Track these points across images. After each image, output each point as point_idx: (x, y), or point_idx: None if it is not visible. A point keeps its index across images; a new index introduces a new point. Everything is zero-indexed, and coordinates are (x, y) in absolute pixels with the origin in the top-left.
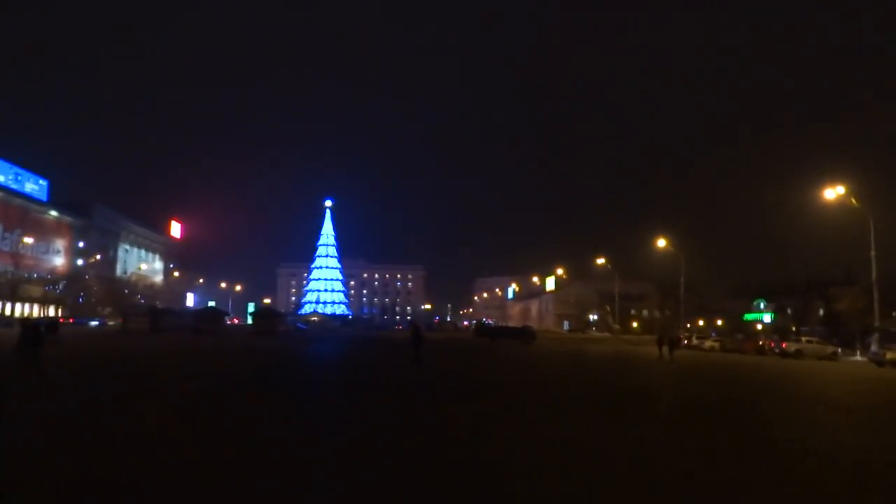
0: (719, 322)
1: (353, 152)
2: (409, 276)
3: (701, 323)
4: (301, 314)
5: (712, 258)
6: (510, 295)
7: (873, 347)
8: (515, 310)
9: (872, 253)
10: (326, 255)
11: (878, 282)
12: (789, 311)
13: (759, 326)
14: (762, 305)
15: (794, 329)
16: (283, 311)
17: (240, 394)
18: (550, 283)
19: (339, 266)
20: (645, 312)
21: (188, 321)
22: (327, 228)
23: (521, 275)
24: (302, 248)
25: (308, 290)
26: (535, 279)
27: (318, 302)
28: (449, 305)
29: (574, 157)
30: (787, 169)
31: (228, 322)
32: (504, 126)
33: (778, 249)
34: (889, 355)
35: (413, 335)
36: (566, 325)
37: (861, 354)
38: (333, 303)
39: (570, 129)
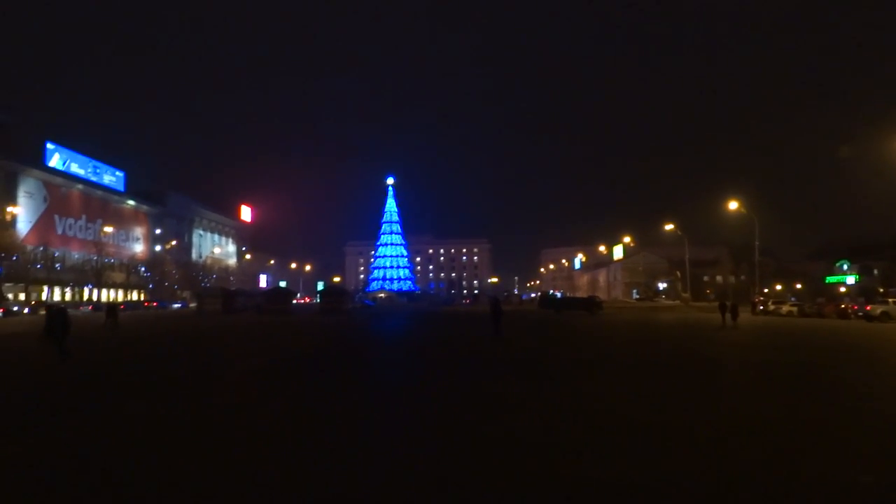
0: (798, 286)
1: (413, 129)
2: (475, 250)
3: (779, 287)
4: (369, 291)
5: (791, 219)
6: (577, 265)
7: None
8: (583, 280)
9: None
10: (391, 233)
11: None
12: (876, 272)
13: (843, 289)
14: (845, 267)
15: (881, 291)
16: (351, 288)
17: (304, 369)
18: (618, 252)
19: (403, 242)
20: (719, 278)
21: (259, 301)
22: (391, 206)
23: (588, 244)
24: (368, 227)
25: (375, 268)
26: (602, 248)
27: (384, 279)
28: (516, 278)
29: (634, 121)
30: (865, 122)
31: (298, 301)
32: (564, 95)
33: (861, 207)
34: None
35: (492, 309)
36: (635, 293)
37: None
38: (399, 279)
39: (632, 94)
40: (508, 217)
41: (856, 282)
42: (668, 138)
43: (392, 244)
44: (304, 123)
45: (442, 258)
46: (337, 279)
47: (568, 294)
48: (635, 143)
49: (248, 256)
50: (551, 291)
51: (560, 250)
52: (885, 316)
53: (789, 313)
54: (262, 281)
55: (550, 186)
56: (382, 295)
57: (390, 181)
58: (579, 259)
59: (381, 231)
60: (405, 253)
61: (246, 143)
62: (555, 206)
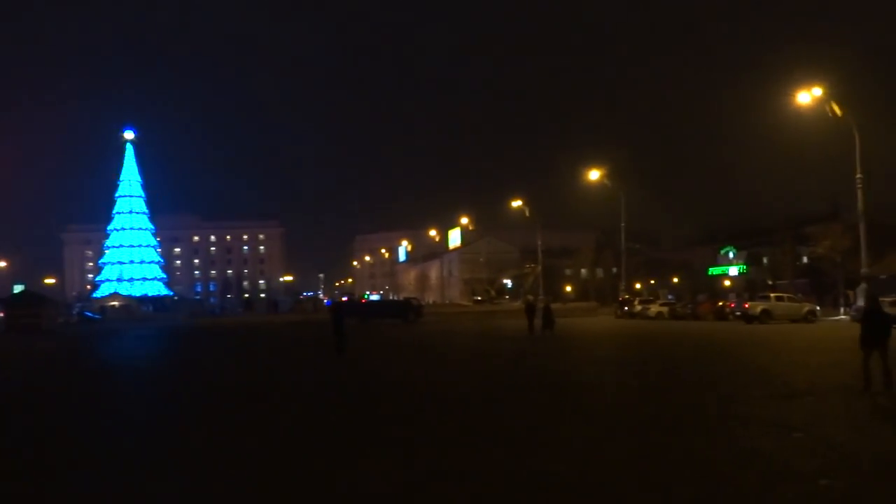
0: (676, 280)
1: (162, 65)
2: (261, 237)
3: (653, 282)
4: (98, 298)
5: (672, 200)
6: (402, 256)
7: (859, 302)
8: (410, 276)
9: (858, 176)
10: (131, 211)
11: (865, 215)
12: (766, 260)
13: (727, 283)
14: (731, 255)
15: (770, 284)
16: (74, 293)
17: None
18: (455, 238)
19: (150, 227)
20: (584, 272)
21: None
22: (130, 171)
23: (416, 228)
24: (100, 204)
25: (105, 263)
26: (434, 233)
27: (120, 279)
28: (321, 276)
29: (474, 80)
30: (750, 80)
31: None
32: (379, 41)
33: (751, 184)
34: None
35: (334, 317)
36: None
37: (845, 312)
38: (144, 279)
39: (474, 43)
40: (310, 192)
41: (740, 273)
42: (521, 100)
43: (132, 228)
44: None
45: (213, 249)
46: (50, 280)
47: (395, 296)
48: (479, 103)
49: None
50: (368, 294)
51: (379, 236)
52: (765, 315)
53: (659, 315)
54: None
55: (368, 152)
56: (116, 303)
57: (129, 136)
58: (404, 248)
59: (115, 210)
60: (154, 241)
61: None
62: (374, 179)
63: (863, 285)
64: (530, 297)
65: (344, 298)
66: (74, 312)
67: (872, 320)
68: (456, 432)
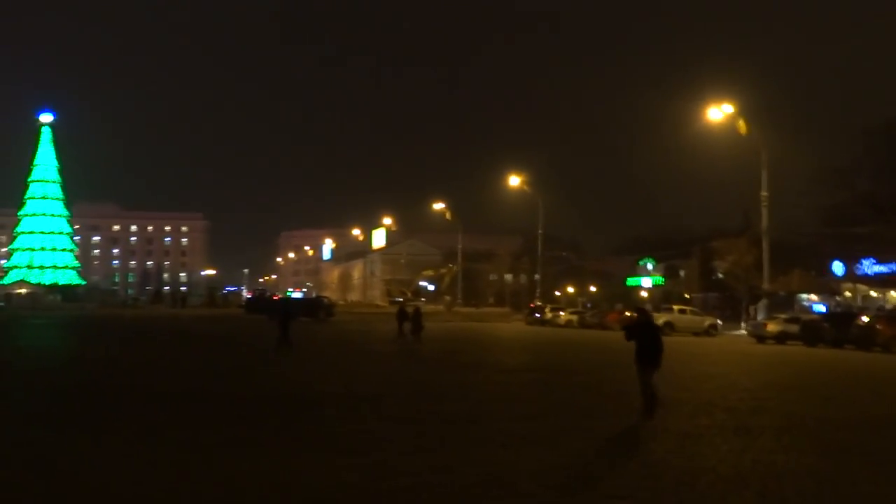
0: (593, 288)
1: (84, 53)
2: (184, 229)
3: (571, 290)
4: (6, 284)
5: (600, 210)
6: (327, 255)
7: (759, 316)
8: (334, 274)
9: (763, 193)
10: (44, 197)
11: (769, 232)
12: (682, 273)
13: (644, 293)
14: (650, 266)
15: (687, 297)
16: None
17: None
18: (379, 239)
19: (66, 213)
20: (507, 277)
21: None
22: (46, 156)
23: (341, 227)
24: (16, 188)
25: (15, 249)
26: (358, 233)
27: (31, 267)
28: (246, 271)
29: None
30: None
31: None
32: (306, 34)
33: (675, 195)
34: (771, 327)
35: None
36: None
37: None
38: (55, 267)
39: (406, 44)
40: (236, 186)
41: (654, 285)
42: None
43: (46, 215)
44: None
45: (134, 239)
46: None
47: (321, 293)
48: (398, 103)
49: None
50: (290, 291)
51: (304, 233)
52: (667, 327)
53: (568, 323)
54: None
55: (295, 148)
56: (22, 291)
57: (46, 119)
58: (329, 246)
59: (28, 195)
60: (69, 228)
61: None
62: (301, 176)
63: (763, 301)
64: (401, 301)
65: (248, 294)
66: None
67: (644, 335)
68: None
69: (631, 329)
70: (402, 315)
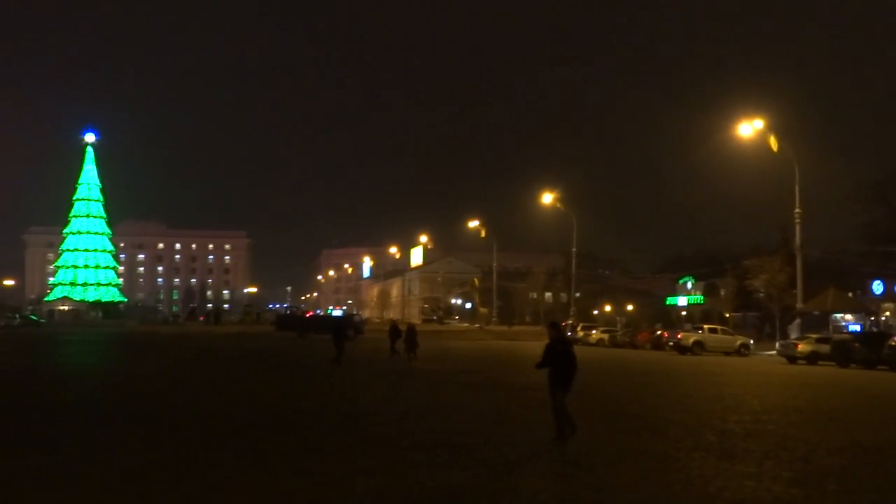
0: (630, 307)
1: (130, 76)
2: (227, 247)
3: (608, 309)
4: (50, 301)
5: (642, 229)
6: (367, 272)
7: (792, 336)
8: (373, 292)
9: (797, 210)
10: (88, 215)
11: (802, 250)
12: (723, 292)
13: (684, 312)
14: (689, 285)
15: (726, 316)
16: (33, 296)
17: None
18: (416, 257)
19: (108, 231)
20: (533, 295)
21: None
22: (89, 175)
23: (380, 245)
24: (63, 206)
25: (60, 266)
26: (395, 251)
27: (74, 283)
28: (289, 288)
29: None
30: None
31: None
32: (347, 58)
33: (716, 212)
34: (802, 347)
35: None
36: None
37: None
38: (98, 285)
39: (438, 69)
40: (279, 205)
41: (690, 303)
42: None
43: (89, 232)
44: None
45: (178, 257)
46: (9, 282)
47: (356, 312)
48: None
49: None
50: (331, 309)
51: (345, 252)
52: (697, 346)
53: (599, 341)
54: None
55: (337, 167)
56: (65, 308)
57: (90, 139)
58: (368, 264)
59: (72, 213)
60: (110, 246)
61: None
62: (343, 194)
63: (797, 320)
64: (395, 319)
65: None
66: (19, 315)
67: (556, 353)
68: None
69: (546, 352)
70: (394, 332)
